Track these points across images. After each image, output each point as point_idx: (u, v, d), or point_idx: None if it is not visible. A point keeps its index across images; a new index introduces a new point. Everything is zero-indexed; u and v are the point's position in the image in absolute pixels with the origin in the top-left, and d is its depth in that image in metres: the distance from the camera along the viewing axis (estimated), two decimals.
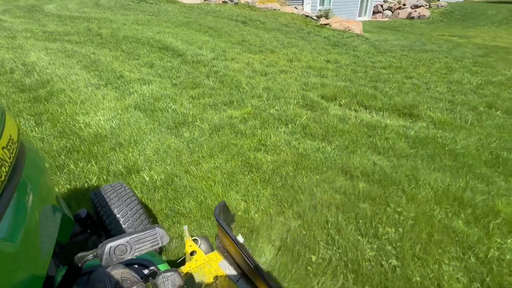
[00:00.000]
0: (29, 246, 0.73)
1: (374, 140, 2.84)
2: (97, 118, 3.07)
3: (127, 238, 0.77)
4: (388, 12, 23.22)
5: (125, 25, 8.49)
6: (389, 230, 1.72)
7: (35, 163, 0.94)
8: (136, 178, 2.18)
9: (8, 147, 0.77)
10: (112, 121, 3.02)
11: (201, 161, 2.39)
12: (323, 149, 2.65)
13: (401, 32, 14.29)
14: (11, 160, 0.76)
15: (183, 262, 1.23)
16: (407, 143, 2.84)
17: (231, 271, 1.14)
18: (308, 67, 5.61)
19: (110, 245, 0.75)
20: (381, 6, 23.55)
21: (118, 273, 0.86)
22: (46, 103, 3.36)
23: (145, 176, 2.15)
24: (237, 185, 2.12)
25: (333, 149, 2.67)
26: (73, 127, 2.85)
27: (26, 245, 0.71)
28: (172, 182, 2.13)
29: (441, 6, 22.14)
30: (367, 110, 3.78)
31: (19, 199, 0.75)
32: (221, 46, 6.74)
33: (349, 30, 10.17)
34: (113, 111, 3.23)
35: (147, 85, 4.07)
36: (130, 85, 4.04)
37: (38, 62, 4.85)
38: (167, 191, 2.07)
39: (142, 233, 0.79)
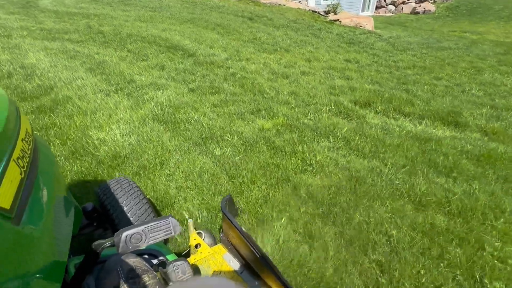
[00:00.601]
0: (51, 232, 0.76)
1: (431, 158, 2.50)
2: (113, 132, 2.68)
3: (142, 227, 0.78)
4: (392, 7, 22.77)
5: (127, 21, 8.01)
6: (498, 285, 1.39)
7: (47, 155, 0.97)
8: (172, 214, 1.82)
9: (26, 139, 0.80)
10: (130, 136, 2.64)
11: (243, 188, 2.03)
12: (378, 170, 2.31)
13: (409, 27, 13.90)
14: (29, 151, 0.80)
15: (187, 255, 1.25)
16: (469, 160, 2.51)
17: (235, 263, 1.15)
18: (329, 68, 5.23)
19: (127, 233, 0.76)
20: (384, 0, 23.10)
21: (131, 261, 0.89)
22: (52, 114, 2.96)
23: (183, 213, 1.79)
24: (295, 223, 1.77)
25: (389, 169, 2.33)
26: (87, 145, 2.47)
27: (48, 232, 0.74)
28: (216, 219, 1.77)
29: (446, 0, 21.76)
30: (407, 118, 3.43)
31: (38, 189, 0.77)
32: (232, 44, 6.32)
33: (360, 26, 9.77)
34: (130, 124, 2.84)
35: (162, 91, 3.67)
36: (143, 91, 3.64)
37: (38, 64, 4.41)
38: None
39: (156, 223, 0.81)
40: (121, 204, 1.38)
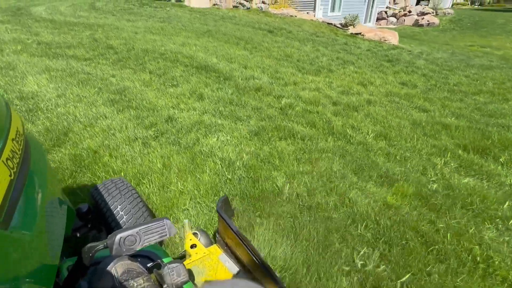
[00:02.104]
0: (42, 235, 0.73)
1: None
2: (181, 224, 1.75)
3: (136, 229, 0.76)
4: (393, 19, 22.73)
5: (137, 34, 7.07)
6: None
7: (39, 155, 0.94)
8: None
9: (17, 139, 0.78)
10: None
11: None
12: None
13: (422, 41, 13.52)
14: (20, 152, 0.77)
15: (183, 257, 1.24)
16: None
17: (230, 264, 1.14)
18: (391, 94, 4.46)
19: (120, 235, 0.74)
20: (385, 12, 23.07)
21: (124, 264, 0.87)
22: (74, 185, 1.99)
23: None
24: None
25: None
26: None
27: (39, 235, 0.72)
28: None
29: (448, 13, 21.90)
30: None
31: (29, 190, 0.75)
32: (266, 63, 5.48)
33: (385, 40, 9.19)
34: (199, 205, 1.91)
35: (216, 135, 2.76)
36: (191, 136, 2.71)
37: (41, 93, 3.42)
38: None
39: (150, 225, 0.79)
40: (117, 205, 1.33)
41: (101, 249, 0.78)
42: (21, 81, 3.79)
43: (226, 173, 2.18)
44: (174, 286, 0.87)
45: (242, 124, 3.04)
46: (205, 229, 1.63)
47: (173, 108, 3.32)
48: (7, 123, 0.76)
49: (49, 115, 2.92)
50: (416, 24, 20.84)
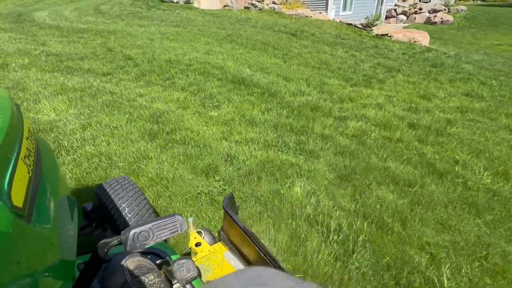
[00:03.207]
0: (59, 231, 0.74)
1: None
2: None
3: (149, 225, 0.77)
4: (403, 17, 22.07)
5: (153, 41, 6.43)
6: None
7: (48, 155, 0.95)
8: None
9: (30, 137, 0.79)
10: None
11: None
12: None
13: (441, 40, 12.87)
14: (34, 150, 0.79)
15: (188, 255, 1.24)
16: None
17: (235, 261, 1.14)
18: (464, 110, 3.81)
19: (134, 231, 0.75)
20: (395, 10, 22.43)
21: (135, 261, 0.88)
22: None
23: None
24: None
25: None
26: None
27: (56, 230, 0.73)
28: None
29: (461, 10, 21.24)
30: None
31: (44, 187, 0.76)
32: (307, 73, 4.84)
33: (415, 41, 8.55)
34: None
35: (299, 186, 2.11)
36: (268, 187, 2.06)
37: (61, 124, 2.77)
38: None
39: (162, 220, 0.79)
40: (122, 204, 1.30)
41: (115, 245, 0.77)
42: (35, 106, 3.14)
43: (346, 259, 1.54)
44: (184, 282, 0.86)
45: (319, 162, 2.40)
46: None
47: (226, 139, 2.68)
48: (20, 122, 0.77)
49: (76, 157, 2.28)
50: (429, 22, 20.20)
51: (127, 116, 2.97)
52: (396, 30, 9.44)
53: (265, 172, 2.21)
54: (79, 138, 2.55)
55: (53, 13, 9.60)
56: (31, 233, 0.60)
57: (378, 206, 1.93)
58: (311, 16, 12.42)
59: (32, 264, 0.57)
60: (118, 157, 2.29)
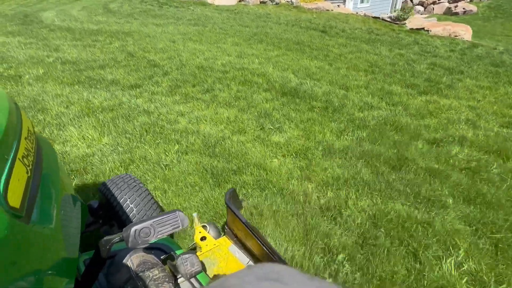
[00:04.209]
0: (61, 230, 0.74)
1: None
2: None
3: (150, 222, 0.77)
4: (420, 8, 20.99)
5: (175, 43, 5.79)
6: None
7: (50, 154, 0.95)
8: None
9: (29, 137, 0.78)
10: None
11: None
12: None
13: (476, 32, 11.97)
14: (33, 150, 0.78)
15: (194, 250, 1.24)
16: None
17: (240, 255, 1.15)
18: None
19: (135, 228, 0.75)
20: (411, 1, 21.40)
21: (139, 256, 0.90)
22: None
23: None
24: None
25: None
26: None
27: (58, 229, 0.73)
28: None
29: None
30: None
31: (45, 187, 0.76)
32: (364, 80, 4.14)
33: (456, 36, 7.77)
34: None
35: (456, 264, 1.50)
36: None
37: (96, 161, 2.13)
38: None
39: (164, 217, 0.79)
40: (127, 200, 1.32)
41: (117, 242, 0.77)
42: (60, 133, 2.55)
43: None
44: (188, 276, 0.87)
45: (449, 216, 1.78)
46: None
47: (309, 179, 2.06)
48: (19, 122, 0.76)
49: None
50: (449, 12, 19.16)
51: (176, 147, 2.37)
52: (432, 23, 8.65)
53: (389, 238, 1.60)
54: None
55: (61, 13, 8.99)
56: (30, 233, 0.60)
57: None
58: (332, 10, 11.63)
59: (34, 264, 0.58)
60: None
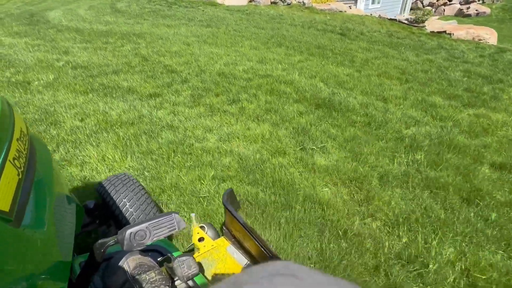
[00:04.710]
0: (54, 233, 0.73)
1: None
2: None
3: (146, 224, 0.76)
4: (429, 9, 20.64)
5: (190, 46, 5.48)
6: None
7: (45, 155, 0.94)
8: None
9: (22, 138, 0.77)
10: None
11: None
12: None
13: None
14: (26, 151, 0.77)
15: (192, 251, 1.23)
16: None
17: (238, 255, 1.14)
18: None
19: (130, 231, 0.74)
20: (421, 2, 21.01)
21: (136, 259, 0.88)
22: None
23: None
24: None
25: None
26: None
27: (51, 232, 0.71)
28: None
29: (497, 0, 19.71)
30: None
31: (37, 189, 0.74)
32: (398, 90, 3.81)
33: (480, 40, 7.43)
34: None
35: None
36: None
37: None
38: None
39: (159, 219, 0.78)
40: (124, 200, 1.29)
41: (112, 245, 0.75)
42: (76, 153, 2.25)
43: None
44: (185, 279, 0.86)
45: None
46: None
47: (373, 216, 1.75)
48: (11, 123, 0.75)
49: None
50: (461, 14, 18.75)
51: (211, 173, 2.06)
52: (453, 26, 8.29)
53: None
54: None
55: (68, 12, 8.70)
56: (20, 237, 0.58)
57: None
58: (345, 11, 11.29)
59: (25, 269, 0.56)
60: None
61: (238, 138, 2.56)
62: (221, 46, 5.54)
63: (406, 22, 9.53)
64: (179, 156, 2.25)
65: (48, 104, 3.05)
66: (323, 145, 2.45)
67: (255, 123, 2.81)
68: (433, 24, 8.83)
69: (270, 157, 2.28)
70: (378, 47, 6.08)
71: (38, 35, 5.84)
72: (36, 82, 3.60)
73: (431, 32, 8.14)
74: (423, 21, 9.20)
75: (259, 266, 0.27)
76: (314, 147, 2.41)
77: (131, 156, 2.22)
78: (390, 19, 10.05)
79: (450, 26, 8.26)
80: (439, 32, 7.97)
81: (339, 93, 3.57)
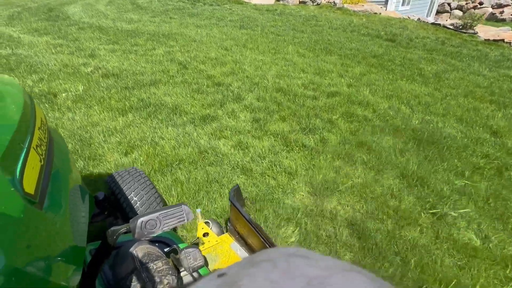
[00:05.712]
0: (70, 218, 0.76)
1: None
2: None
3: (156, 214, 0.77)
4: (458, 12, 19.55)
5: (229, 50, 4.83)
6: None
7: (61, 145, 0.97)
8: None
9: (42, 128, 0.81)
10: None
11: None
12: None
13: None
14: (46, 140, 0.80)
15: (196, 245, 1.23)
16: None
17: (242, 252, 1.16)
18: None
19: (142, 219, 0.75)
20: (448, 4, 19.96)
21: (144, 248, 0.92)
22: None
23: None
24: None
25: None
26: None
27: (68, 218, 0.74)
28: None
29: None
30: None
31: (56, 176, 0.77)
32: (498, 117, 3.12)
33: None
34: None
35: None
36: None
37: None
38: None
39: (169, 210, 0.80)
40: (132, 193, 1.33)
41: (124, 233, 0.77)
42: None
43: None
44: (190, 270, 0.89)
45: None
46: None
47: None
48: (33, 113, 0.79)
49: None
50: (494, 18, 17.71)
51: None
52: (509, 33, 7.46)
53: None
54: None
55: (87, 8, 8.12)
56: (43, 219, 0.62)
57: None
58: (380, 13, 10.51)
59: (44, 249, 0.59)
60: None
61: (337, 190, 1.90)
62: (265, 52, 4.88)
63: (451, 27, 8.72)
64: (271, 220, 1.61)
65: (81, 127, 2.44)
66: (464, 210, 1.77)
67: (349, 167, 2.15)
68: (484, 30, 8.01)
69: (399, 229, 1.62)
70: (439, 57, 5.34)
71: (59, 33, 5.27)
72: (64, 95, 3.00)
73: (485, 40, 7.33)
74: (471, 27, 8.38)
75: (273, 249, 0.28)
76: (453, 214, 1.74)
77: (203, 219, 1.60)
78: (433, 24, 9.26)
79: (506, 33, 7.43)
80: (495, 40, 7.16)
81: (432, 121, 2.88)
